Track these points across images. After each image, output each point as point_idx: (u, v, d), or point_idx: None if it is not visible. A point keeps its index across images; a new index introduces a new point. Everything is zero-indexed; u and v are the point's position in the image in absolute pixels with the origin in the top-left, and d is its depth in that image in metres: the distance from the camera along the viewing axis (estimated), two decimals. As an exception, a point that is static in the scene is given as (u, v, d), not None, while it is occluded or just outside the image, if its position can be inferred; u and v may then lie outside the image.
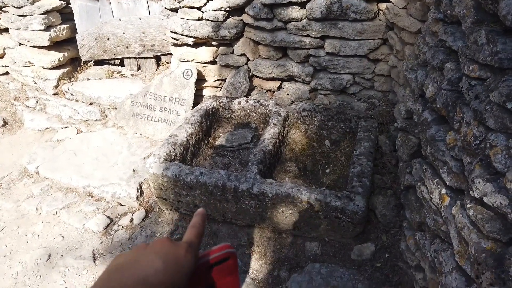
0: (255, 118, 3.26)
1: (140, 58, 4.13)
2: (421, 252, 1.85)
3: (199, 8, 3.21)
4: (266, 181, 2.33)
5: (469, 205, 1.31)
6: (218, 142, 3.13)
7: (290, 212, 2.31)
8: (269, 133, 2.81)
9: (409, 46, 2.64)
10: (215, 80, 3.64)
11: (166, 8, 3.37)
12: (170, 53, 3.81)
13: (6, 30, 4.10)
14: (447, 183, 1.55)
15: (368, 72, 3.19)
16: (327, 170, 2.79)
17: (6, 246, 2.56)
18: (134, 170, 3.04)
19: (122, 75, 4.16)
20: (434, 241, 1.67)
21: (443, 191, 1.59)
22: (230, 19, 3.27)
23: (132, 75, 4.16)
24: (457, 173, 1.51)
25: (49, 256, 2.46)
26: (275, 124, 2.91)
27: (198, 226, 0.61)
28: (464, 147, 1.43)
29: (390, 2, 2.85)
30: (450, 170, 1.55)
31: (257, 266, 2.30)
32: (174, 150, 2.69)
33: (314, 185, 2.67)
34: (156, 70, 4.16)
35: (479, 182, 1.25)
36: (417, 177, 1.92)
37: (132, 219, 2.71)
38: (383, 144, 2.75)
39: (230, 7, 3.14)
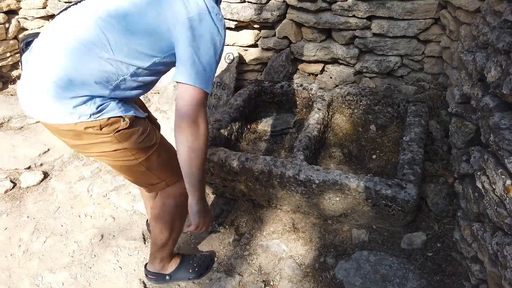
0: (297, 103, 3.21)
1: (181, 42, 4.15)
2: (479, 244, 1.78)
3: (241, -10, 3.17)
4: (313, 168, 2.30)
5: (542, 199, 1.23)
6: (260, 127, 3.12)
7: (337, 199, 2.28)
8: (314, 118, 2.76)
9: (465, 26, 2.48)
10: (256, 64, 3.61)
11: (208, -9, 3.34)
12: (211, 37, 3.80)
13: (52, 16, 4.22)
14: (513, 174, 1.47)
15: (418, 53, 3.05)
16: (374, 156, 2.73)
17: (62, 226, 2.69)
18: (178, 154, 3.10)
19: (163, 59, 4.20)
20: (496, 234, 1.59)
21: (508, 182, 1.51)
22: (272, 0, 3.21)
23: (173, 59, 4.19)
24: (525, 164, 1.43)
25: (102, 236, 2.57)
26: (319, 109, 2.85)
27: None
28: (537, 137, 1.34)
29: (445, -22, 2.69)
30: (517, 161, 1.47)
31: (303, 251, 2.30)
32: (219, 135, 2.71)
33: (360, 171, 2.62)
34: (196, 54, 4.17)
35: (556, 176, 1.17)
36: (476, 166, 1.83)
37: (178, 202, 2.76)
38: (433, 130, 2.65)
39: (273, -12, 3.08)
